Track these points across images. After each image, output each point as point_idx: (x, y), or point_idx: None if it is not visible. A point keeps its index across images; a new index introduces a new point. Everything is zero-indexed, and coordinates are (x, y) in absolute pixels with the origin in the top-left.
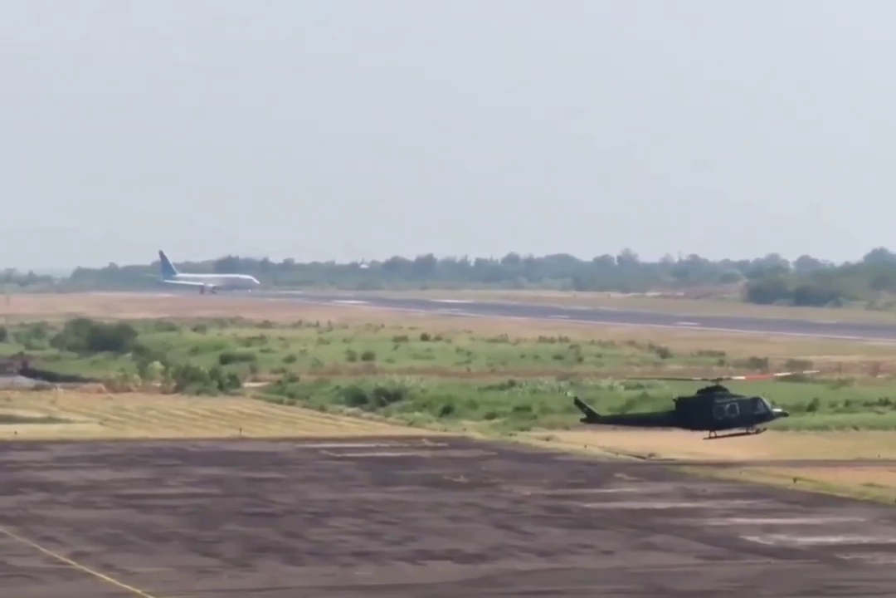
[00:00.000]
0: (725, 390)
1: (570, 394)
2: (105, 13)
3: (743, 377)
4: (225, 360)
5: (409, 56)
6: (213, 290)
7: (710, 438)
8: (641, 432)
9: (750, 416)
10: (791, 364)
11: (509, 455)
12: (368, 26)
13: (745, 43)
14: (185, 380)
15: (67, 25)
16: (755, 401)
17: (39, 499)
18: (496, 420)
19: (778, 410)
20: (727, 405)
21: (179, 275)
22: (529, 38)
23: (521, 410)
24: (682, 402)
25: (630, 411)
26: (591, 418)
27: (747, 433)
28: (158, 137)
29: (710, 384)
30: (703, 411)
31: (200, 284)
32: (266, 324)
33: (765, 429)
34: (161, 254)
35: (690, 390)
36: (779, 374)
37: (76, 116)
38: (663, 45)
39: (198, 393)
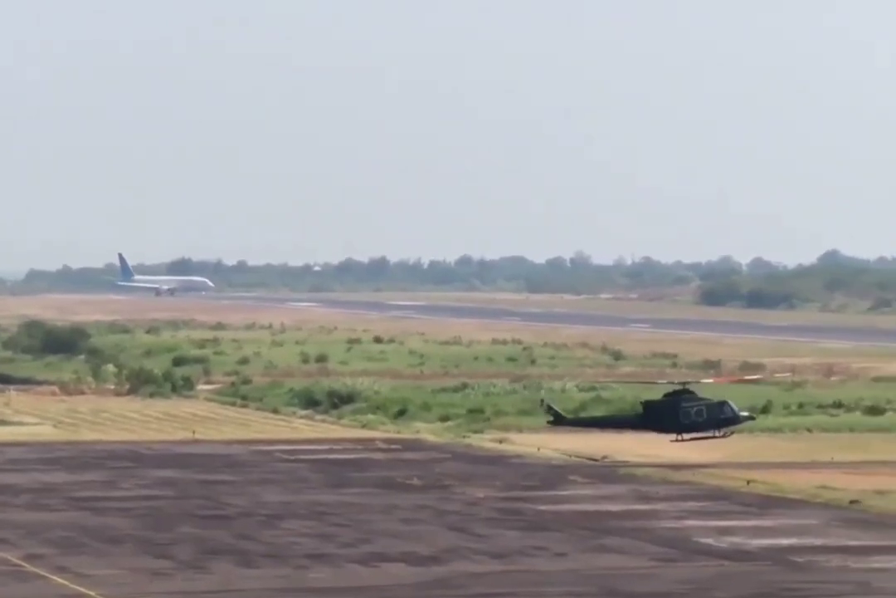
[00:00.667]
0: (693, 393)
1: (542, 394)
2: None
3: (711, 380)
4: (178, 362)
5: (356, 57)
6: (170, 292)
7: (677, 441)
8: (595, 434)
9: (717, 419)
10: (744, 366)
11: (463, 457)
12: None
13: (704, 43)
14: (139, 382)
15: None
16: (722, 405)
17: None
18: (449, 423)
19: (745, 413)
20: (694, 409)
21: (137, 277)
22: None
23: (475, 412)
24: (649, 405)
25: (595, 414)
26: (559, 421)
27: (714, 437)
28: (110, 140)
29: (678, 387)
30: (671, 414)
31: (156, 286)
32: (219, 326)
33: (732, 433)
34: (120, 256)
35: (652, 393)
36: (749, 377)
37: (24, 120)
38: (628, 52)
39: (151, 395)
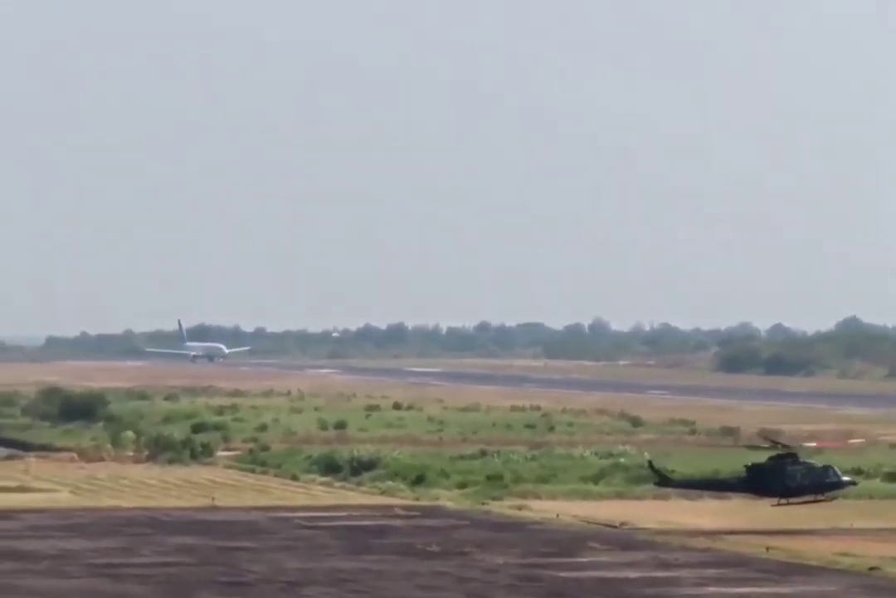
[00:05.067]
0: (797, 457)
1: (646, 455)
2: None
3: (814, 444)
4: (197, 429)
5: (365, 125)
6: (193, 359)
7: (779, 504)
8: (613, 501)
9: (821, 483)
10: (762, 433)
11: (482, 524)
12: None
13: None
14: (158, 449)
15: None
16: (826, 469)
17: (11, 568)
18: (468, 489)
19: (847, 478)
20: (800, 473)
21: (188, 344)
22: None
23: (493, 479)
24: (754, 468)
25: (699, 477)
26: (664, 482)
27: (817, 501)
28: (126, 207)
29: (782, 451)
30: (777, 477)
31: (194, 353)
32: (238, 393)
33: (835, 498)
34: (179, 322)
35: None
36: (853, 441)
37: (35, 189)
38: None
39: (170, 462)
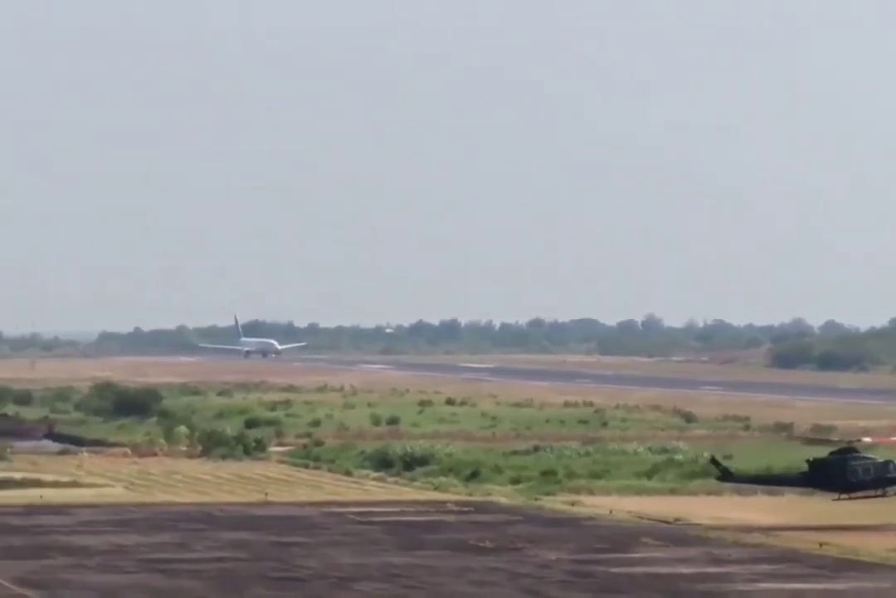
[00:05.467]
0: (858, 451)
1: (706, 454)
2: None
3: (869, 439)
4: (250, 424)
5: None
6: (246, 354)
7: (839, 499)
8: (666, 497)
9: (883, 478)
10: (816, 429)
11: (535, 520)
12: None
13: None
14: (211, 444)
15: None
16: (887, 464)
17: (65, 563)
18: (521, 485)
19: None
20: (861, 467)
21: (242, 339)
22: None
23: (547, 474)
24: (816, 463)
25: (763, 472)
26: (727, 477)
27: (877, 496)
28: (178, 202)
29: (844, 445)
30: (839, 472)
31: (247, 349)
32: (291, 388)
33: (894, 492)
34: (235, 318)
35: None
36: None
37: (90, 180)
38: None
39: (223, 457)
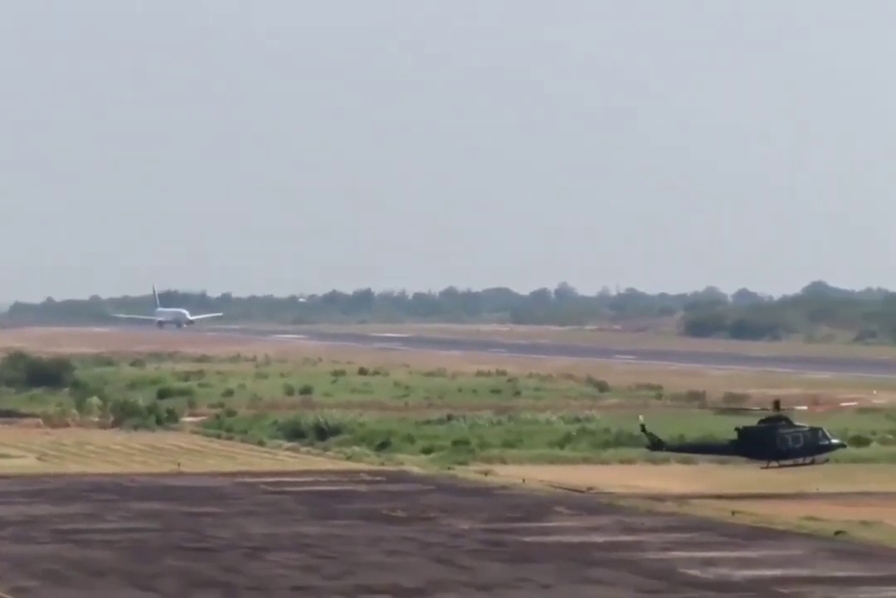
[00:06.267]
0: (789, 420)
1: (640, 420)
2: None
3: (804, 407)
4: (163, 395)
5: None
6: (160, 324)
7: (767, 467)
8: (579, 466)
9: (813, 446)
10: (728, 397)
11: (447, 489)
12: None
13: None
14: (123, 415)
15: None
16: (817, 431)
17: None
18: (434, 454)
19: (836, 440)
20: (791, 436)
21: (159, 309)
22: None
23: (459, 444)
24: (745, 431)
25: (697, 441)
26: (657, 446)
27: (805, 464)
28: (91, 166)
29: (773, 414)
30: (768, 440)
31: (160, 319)
32: (204, 358)
33: (826, 460)
34: (153, 287)
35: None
36: (845, 404)
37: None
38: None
39: (136, 428)
